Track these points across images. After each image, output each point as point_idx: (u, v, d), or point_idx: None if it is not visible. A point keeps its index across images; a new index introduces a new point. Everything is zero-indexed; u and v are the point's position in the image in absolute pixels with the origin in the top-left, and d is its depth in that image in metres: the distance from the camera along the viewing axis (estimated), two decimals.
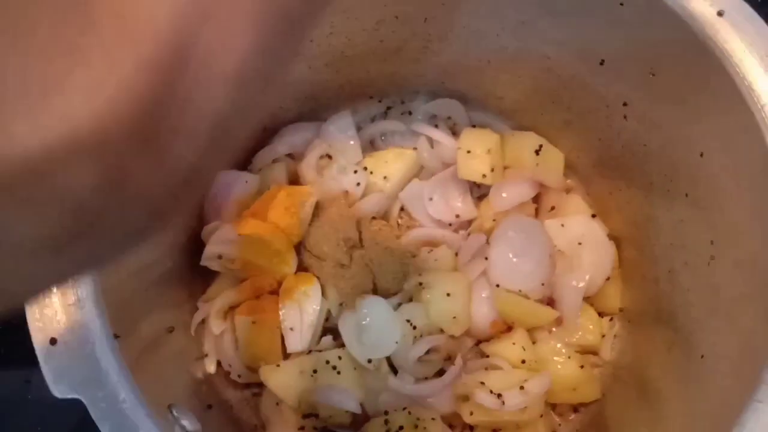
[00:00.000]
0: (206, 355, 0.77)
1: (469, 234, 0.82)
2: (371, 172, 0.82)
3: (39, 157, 0.20)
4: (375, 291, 0.77)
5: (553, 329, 0.79)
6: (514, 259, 0.77)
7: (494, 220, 0.80)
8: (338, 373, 0.72)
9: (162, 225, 0.27)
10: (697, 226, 0.66)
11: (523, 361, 0.75)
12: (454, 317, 0.75)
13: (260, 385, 0.77)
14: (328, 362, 0.72)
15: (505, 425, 0.73)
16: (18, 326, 0.84)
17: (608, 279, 0.79)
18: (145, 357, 0.58)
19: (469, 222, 0.83)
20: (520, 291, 0.76)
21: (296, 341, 0.73)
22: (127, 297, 0.58)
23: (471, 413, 0.72)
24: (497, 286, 0.76)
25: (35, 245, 0.23)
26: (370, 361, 0.72)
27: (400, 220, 0.85)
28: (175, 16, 0.21)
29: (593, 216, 0.82)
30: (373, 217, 0.82)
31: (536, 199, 0.83)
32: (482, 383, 0.72)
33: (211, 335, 0.76)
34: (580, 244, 0.78)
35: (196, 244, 0.77)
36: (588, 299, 0.79)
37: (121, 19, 0.21)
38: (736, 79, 0.55)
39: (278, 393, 0.72)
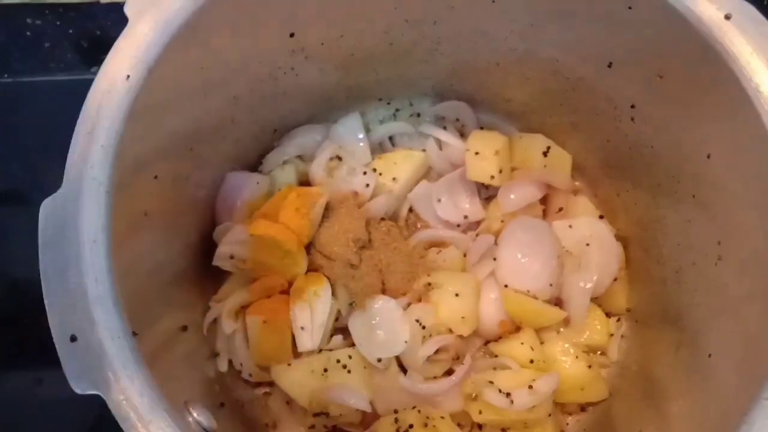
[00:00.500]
0: (218, 354, 0.78)
1: (477, 235, 0.82)
2: (380, 174, 0.83)
3: None
4: (384, 291, 0.78)
5: (561, 329, 0.80)
6: (523, 260, 0.78)
7: (502, 221, 0.81)
8: (348, 372, 0.73)
9: None
10: (704, 226, 0.66)
11: (532, 361, 0.76)
12: (463, 317, 0.76)
13: (271, 384, 0.78)
14: (338, 361, 0.73)
15: (513, 424, 0.74)
16: (29, 327, 0.86)
17: (615, 279, 0.80)
18: (160, 356, 0.59)
19: (478, 223, 0.84)
20: (528, 291, 0.77)
21: (307, 340, 0.74)
22: (143, 297, 0.59)
23: (480, 412, 0.73)
24: (505, 286, 0.77)
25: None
26: (379, 360, 0.73)
27: (408, 221, 0.86)
28: None
29: (600, 217, 0.83)
30: (382, 218, 0.83)
31: (544, 201, 0.84)
32: (491, 382, 0.73)
33: (222, 335, 0.77)
34: (587, 244, 0.79)
35: (208, 245, 0.78)
36: (595, 300, 0.80)
37: None
38: (743, 81, 0.56)
39: (289, 392, 0.73)
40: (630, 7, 0.61)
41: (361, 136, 0.84)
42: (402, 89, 0.85)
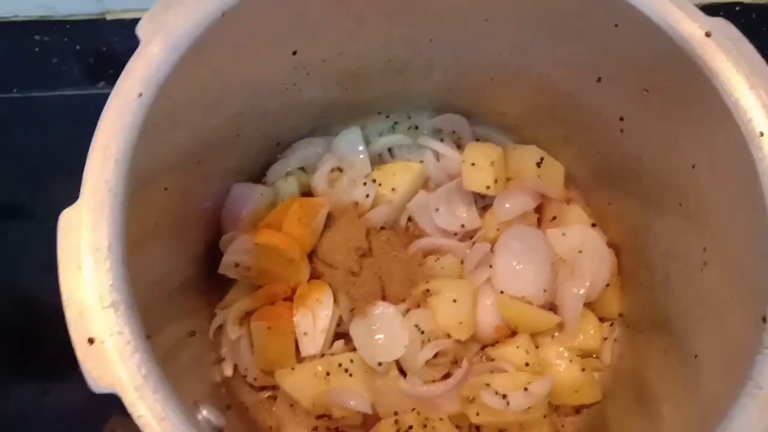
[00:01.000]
0: (224, 360, 0.81)
1: (474, 243, 0.85)
2: (380, 184, 0.86)
3: None
4: (384, 297, 0.80)
5: (556, 334, 0.82)
6: (518, 267, 0.80)
7: (498, 229, 0.84)
8: (350, 375, 0.75)
9: None
10: (690, 234, 0.69)
11: (527, 365, 0.78)
12: (460, 322, 0.78)
13: (275, 388, 0.81)
14: (340, 365, 0.75)
15: (510, 425, 0.76)
16: (35, 338, 0.88)
17: (608, 285, 0.82)
18: (169, 359, 0.61)
19: (474, 231, 0.86)
20: (523, 297, 0.79)
21: (310, 345, 0.77)
22: (153, 303, 0.62)
23: (477, 414, 0.75)
24: (501, 292, 0.80)
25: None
26: (380, 364, 0.75)
27: (407, 230, 0.88)
28: None
29: (593, 225, 0.86)
30: (382, 227, 0.85)
31: (538, 210, 0.87)
32: (488, 385, 0.75)
33: (228, 340, 0.80)
34: (580, 252, 0.81)
35: (213, 254, 0.80)
36: (588, 305, 0.83)
37: None
38: (724, 96, 0.58)
39: (293, 395, 0.75)
40: (616, 25, 0.64)
41: (361, 148, 0.87)
42: (400, 103, 0.88)
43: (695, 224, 0.67)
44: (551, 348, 0.81)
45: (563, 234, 0.83)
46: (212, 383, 0.78)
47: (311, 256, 0.81)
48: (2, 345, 0.90)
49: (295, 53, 0.71)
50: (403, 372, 0.78)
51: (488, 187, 0.83)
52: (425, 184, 0.89)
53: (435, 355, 0.77)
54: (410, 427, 0.74)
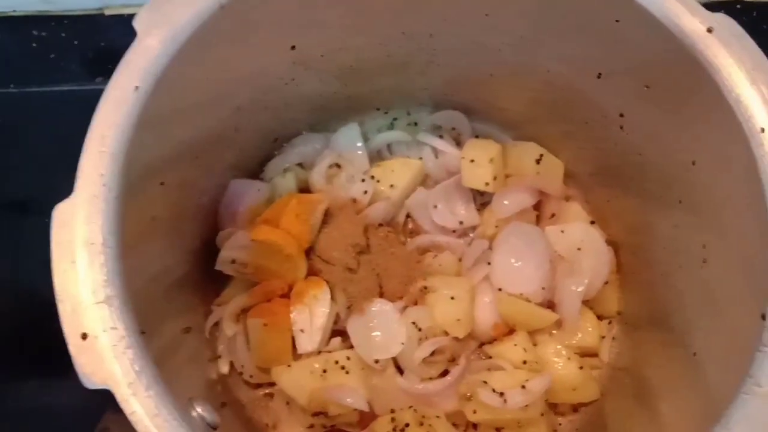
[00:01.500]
0: (220, 357, 0.81)
1: (472, 240, 0.85)
2: (378, 181, 0.85)
3: None
4: (382, 294, 0.80)
5: (554, 332, 0.82)
6: (516, 264, 0.80)
7: (496, 226, 0.83)
8: (347, 373, 0.75)
9: None
10: (690, 231, 0.69)
11: (525, 362, 0.78)
12: (458, 320, 0.78)
13: (271, 386, 0.80)
14: (337, 362, 0.75)
15: (507, 423, 0.76)
16: (38, 334, 0.87)
17: (606, 283, 0.82)
18: (164, 356, 0.61)
19: (473, 228, 0.86)
20: (521, 295, 0.79)
21: (306, 342, 0.76)
22: (148, 299, 0.61)
23: (474, 411, 0.75)
24: (499, 290, 0.79)
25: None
26: (377, 361, 0.75)
27: (405, 227, 0.88)
28: None
29: (592, 222, 0.86)
30: (380, 224, 0.85)
31: (537, 207, 0.86)
32: (485, 382, 0.74)
33: (224, 337, 0.80)
34: (579, 249, 0.81)
35: (210, 250, 0.80)
36: (587, 303, 0.82)
37: None
38: (725, 92, 0.58)
39: (289, 392, 0.75)
40: (617, 20, 0.63)
41: (359, 144, 0.86)
42: (399, 99, 0.88)
43: (695, 221, 0.67)
44: (549, 346, 0.81)
45: (562, 231, 0.82)
46: (208, 380, 0.78)
47: (309, 252, 0.80)
48: (3, 341, 0.89)
49: (293, 48, 0.71)
50: (400, 369, 0.78)
51: (487, 184, 0.83)
52: (424, 180, 0.89)
53: (432, 353, 0.77)
54: (407, 425, 0.73)
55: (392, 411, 0.76)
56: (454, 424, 0.77)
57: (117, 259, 0.51)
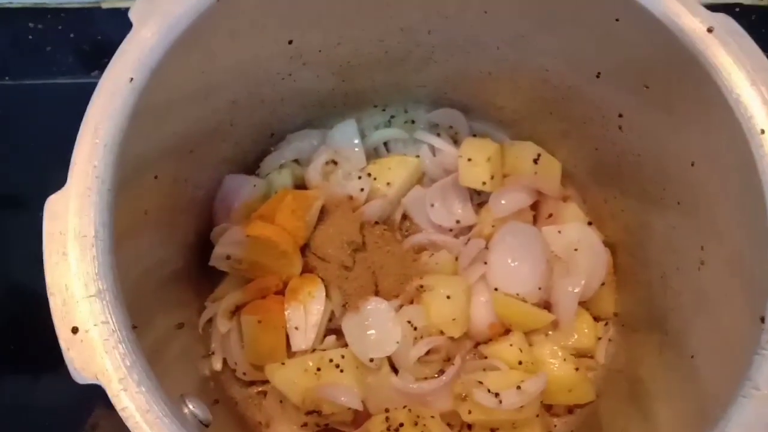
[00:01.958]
0: (213, 353, 0.80)
1: (468, 239, 0.84)
2: (375, 178, 0.85)
3: None
4: (377, 293, 0.79)
5: (550, 332, 0.81)
6: (512, 264, 0.79)
7: (493, 226, 0.83)
8: (341, 371, 0.74)
9: None
10: (688, 232, 0.68)
11: (520, 363, 0.77)
12: (454, 319, 0.77)
13: (264, 383, 0.80)
14: (331, 361, 0.74)
15: (502, 424, 0.75)
16: (28, 329, 0.87)
17: (603, 284, 0.82)
18: (156, 352, 0.60)
19: (469, 228, 0.86)
20: (517, 295, 0.78)
21: (301, 340, 0.76)
22: (141, 293, 0.61)
23: (469, 412, 0.74)
24: (496, 289, 0.79)
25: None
26: (372, 360, 0.74)
27: (402, 225, 0.87)
28: None
29: (589, 223, 0.85)
30: (376, 222, 0.84)
31: (534, 207, 0.86)
32: (480, 383, 0.74)
33: (218, 334, 0.79)
34: (576, 250, 0.81)
35: (205, 245, 0.79)
36: (583, 303, 0.82)
37: None
38: (725, 92, 0.58)
39: (283, 390, 0.74)
40: (617, 20, 0.63)
41: (356, 141, 0.86)
42: (397, 96, 0.87)
43: (693, 222, 0.67)
44: (545, 346, 0.80)
45: (559, 231, 0.82)
46: (200, 377, 0.77)
47: (304, 249, 0.80)
48: None
49: (291, 42, 0.70)
50: (395, 368, 0.77)
51: (484, 183, 0.82)
52: (421, 179, 0.88)
53: (427, 352, 0.76)
54: (401, 425, 0.73)
55: (386, 410, 0.75)
56: (449, 424, 0.76)
57: (109, 252, 0.50)
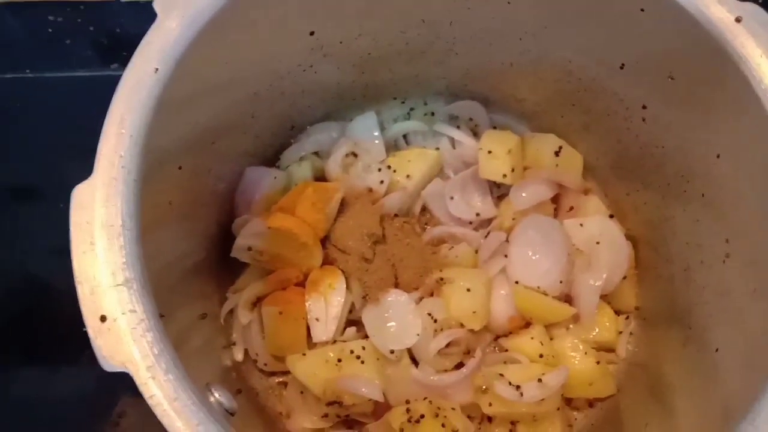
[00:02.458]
0: (234, 344, 0.80)
1: (489, 232, 0.84)
2: (395, 171, 0.84)
3: None
4: (397, 285, 0.79)
5: (571, 326, 0.81)
6: (533, 257, 0.79)
7: (514, 219, 0.83)
8: (362, 362, 0.74)
9: None
10: (712, 225, 0.68)
11: (541, 356, 0.77)
12: (474, 312, 0.77)
13: (285, 374, 0.80)
14: (352, 352, 0.74)
15: (522, 417, 0.75)
16: (44, 321, 0.87)
17: (625, 278, 0.81)
18: (179, 343, 0.60)
19: (489, 221, 0.85)
20: (538, 288, 0.78)
21: (321, 331, 0.76)
22: (165, 284, 0.61)
23: (490, 404, 0.74)
24: (516, 282, 0.78)
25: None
26: (392, 351, 0.74)
27: (421, 218, 0.87)
28: None
29: (611, 216, 0.85)
30: (396, 214, 0.84)
31: (555, 200, 0.85)
32: (501, 375, 0.74)
33: (239, 325, 0.79)
34: (597, 243, 0.80)
35: (226, 237, 0.80)
36: (605, 297, 0.81)
37: None
38: (753, 83, 0.57)
39: (304, 381, 0.74)
40: (642, 9, 0.62)
41: (376, 133, 0.85)
42: (417, 88, 0.87)
43: (718, 215, 0.66)
44: (566, 340, 0.80)
45: (581, 225, 0.81)
46: (222, 367, 0.78)
47: (324, 241, 0.80)
48: (13, 327, 0.90)
49: (312, 33, 0.70)
50: (415, 360, 0.77)
51: (505, 176, 0.82)
52: (441, 171, 0.88)
53: (447, 345, 0.76)
54: (422, 416, 0.73)
55: (407, 402, 0.75)
56: (469, 417, 0.76)
57: (136, 241, 0.50)
